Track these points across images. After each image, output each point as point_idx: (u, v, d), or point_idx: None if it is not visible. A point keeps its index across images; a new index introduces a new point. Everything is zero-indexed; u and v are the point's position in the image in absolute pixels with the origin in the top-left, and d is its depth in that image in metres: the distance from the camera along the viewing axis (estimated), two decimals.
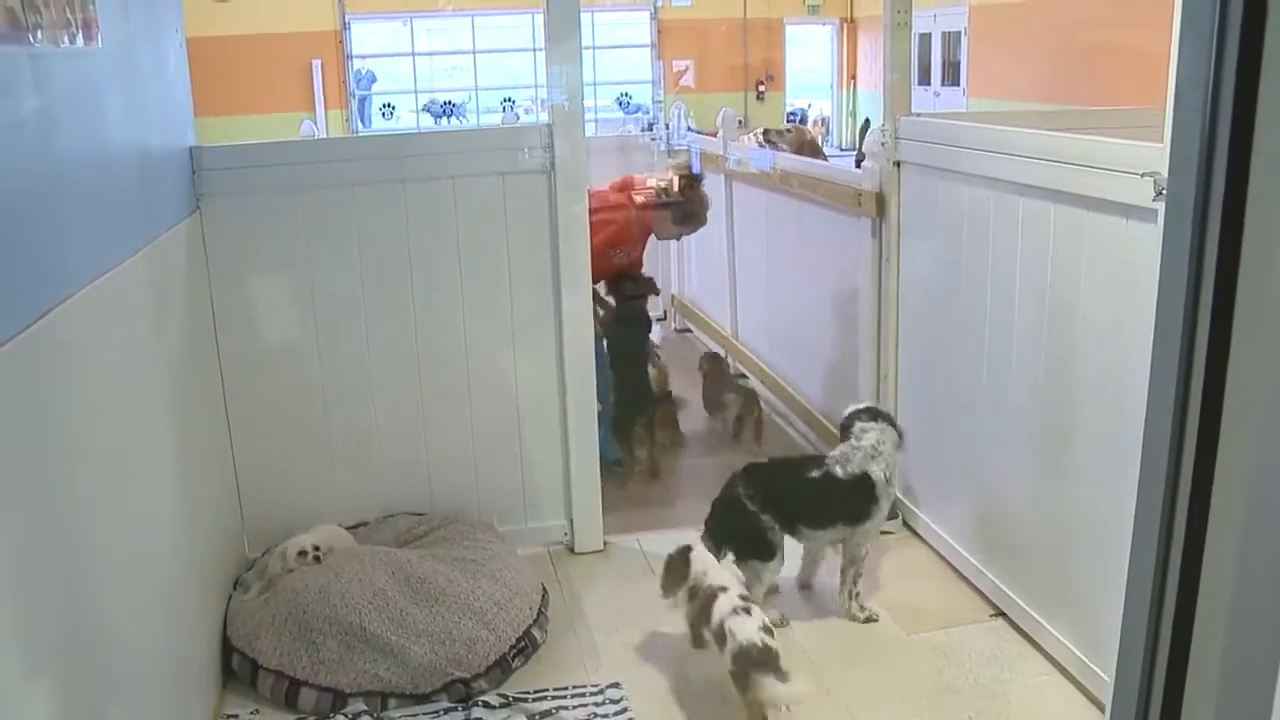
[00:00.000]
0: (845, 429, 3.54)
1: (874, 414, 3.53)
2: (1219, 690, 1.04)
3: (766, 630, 2.85)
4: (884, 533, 3.98)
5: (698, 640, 3.11)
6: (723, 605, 2.93)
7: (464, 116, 14.84)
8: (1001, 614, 3.40)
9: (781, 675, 2.77)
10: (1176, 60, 0.94)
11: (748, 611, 2.89)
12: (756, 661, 2.78)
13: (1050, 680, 3.09)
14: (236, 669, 3.15)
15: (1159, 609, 1.07)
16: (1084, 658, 3.00)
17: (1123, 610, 1.09)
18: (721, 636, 2.88)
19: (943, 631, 3.37)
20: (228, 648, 3.18)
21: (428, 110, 14.84)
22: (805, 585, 3.67)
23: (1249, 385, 0.99)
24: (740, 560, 3.40)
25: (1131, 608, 1.07)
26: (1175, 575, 1.05)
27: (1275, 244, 0.95)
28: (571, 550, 3.97)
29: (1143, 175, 2.50)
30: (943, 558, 3.79)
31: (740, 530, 3.40)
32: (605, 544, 3.96)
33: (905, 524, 4.03)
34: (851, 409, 3.60)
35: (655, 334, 5.62)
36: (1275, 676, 1.01)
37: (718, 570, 3.12)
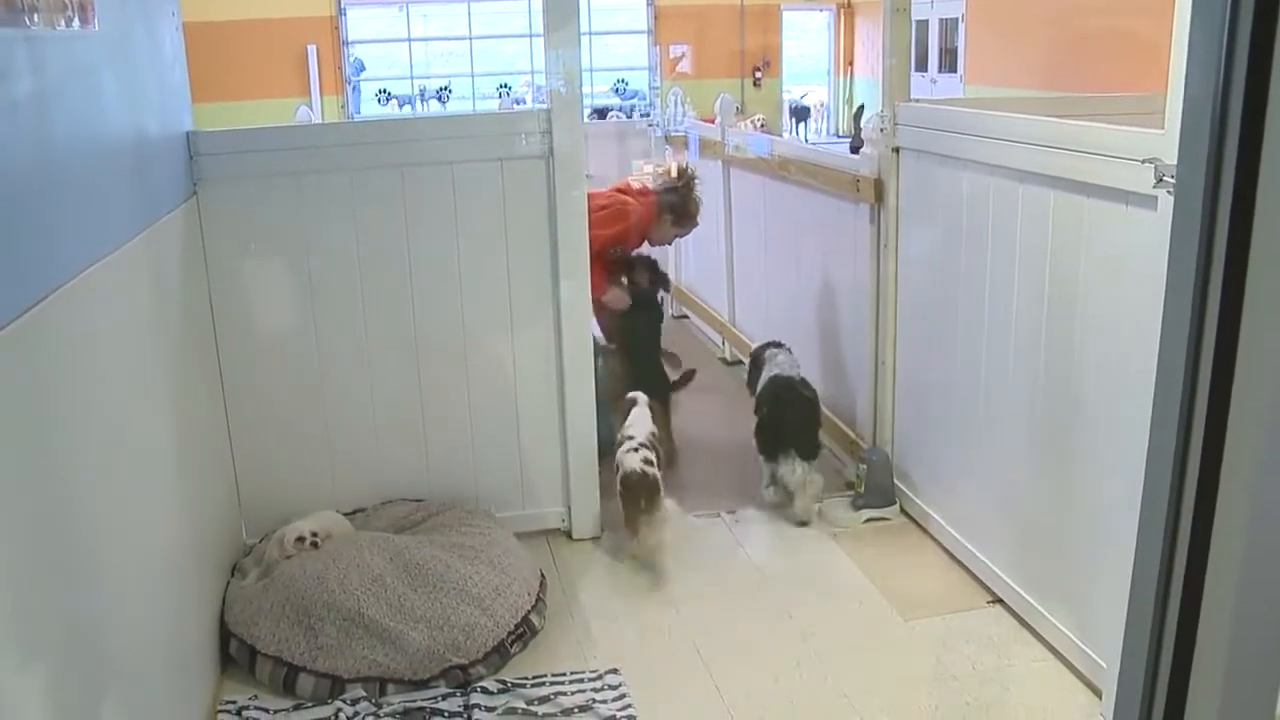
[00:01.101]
0: (757, 359, 4.47)
1: (776, 344, 4.48)
2: (1225, 677, 1.04)
3: (647, 462, 3.75)
4: (880, 519, 4.00)
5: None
6: (625, 447, 3.82)
7: (412, 104, 14.75)
8: (999, 600, 3.40)
9: (655, 499, 3.69)
10: (1188, 42, 0.93)
11: (636, 451, 3.79)
12: (635, 484, 3.69)
13: (1048, 666, 3.10)
14: (235, 655, 3.15)
15: (1165, 596, 1.07)
16: (1081, 644, 3.00)
17: (1129, 597, 1.09)
18: (616, 469, 3.78)
19: (940, 618, 3.37)
20: (226, 634, 3.18)
21: (394, 97, 14.75)
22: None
23: (1258, 371, 0.98)
24: (816, 458, 4.06)
25: (1138, 595, 1.07)
26: (1181, 562, 1.04)
27: None
28: (569, 537, 3.97)
29: (1143, 161, 2.49)
30: (940, 545, 3.79)
31: (815, 435, 4.14)
32: (603, 530, 3.96)
33: (903, 510, 4.03)
34: (757, 345, 4.62)
35: None
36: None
37: (637, 423, 3.97)
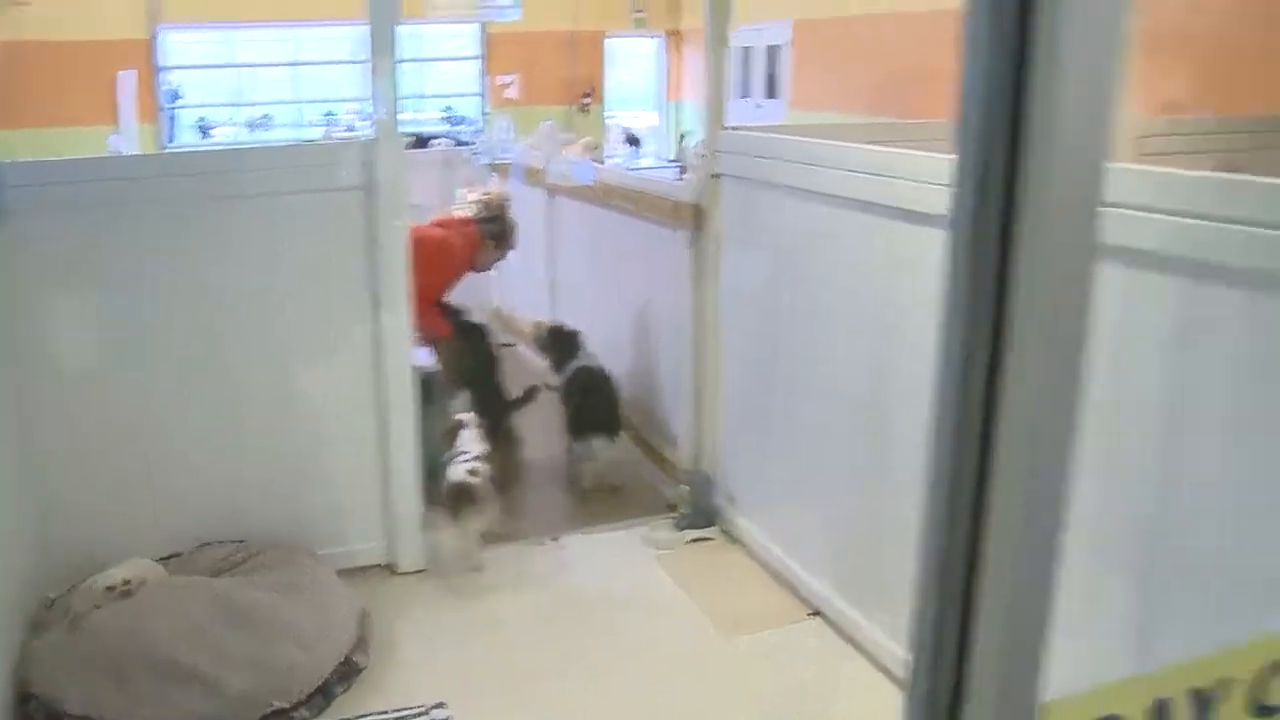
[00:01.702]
0: (568, 341, 4.88)
1: (573, 330, 4.96)
2: (999, 654, 1.10)
3: (472, 473, 3.87)
4: (703, 539, 4.07)
5: None
6: (455, 462, 3.94)
7: (210, 133, 14.28)
8: (818, 613, 3.48)
9: (479, 504, 3.84)
10: (960, 69, 1.00)
11: (465, 463, 3.91)
12: (459, 492, 3.83)
13: (870, 677, 3.18)
14: (33, 717, 2.96)
15: (945, 593, 1.12)
16: (901, 653, 3.09)
17: (915, 600, 1.15)
18: (444, 480, 3.91)
19: (764, 634, 3.44)
20: (23, 695, 2.98)
21: (212, 127, 14.26)
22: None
23: (1021, 389, 1.04)
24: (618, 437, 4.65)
25: (922, 593, 1.13)
26: (959, 567, 1.10)
27: (1042, 257, 1.00)
28: (393, 571, 3.90)
29: (947, 186, 2.59)
30: (763, 562, 3.87)
31: (619, 416, 4.70)
32: (428, 564, 3.91)
33: (725, 530, 4.10)
34: (563, 328, 5.00)
35: None
36: (1041, 646, 1.08)
37: (467, 443, 4.07)
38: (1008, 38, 0.98)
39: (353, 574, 3.77)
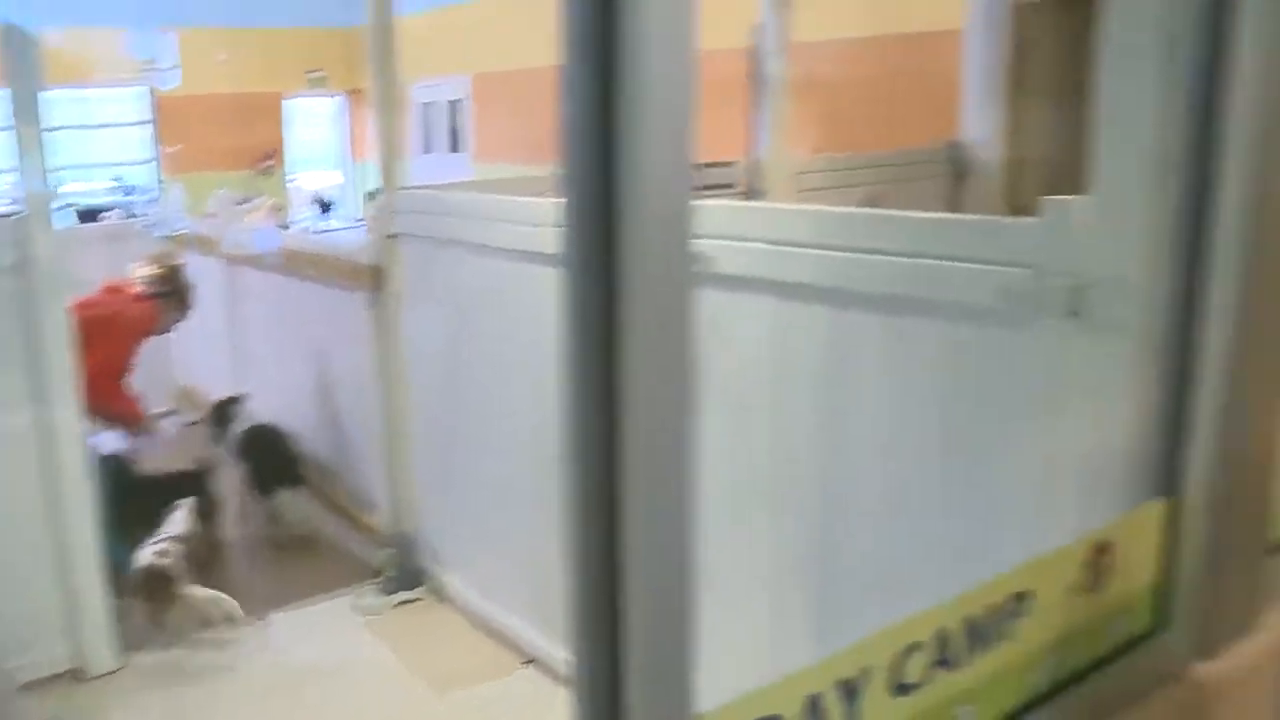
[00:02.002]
0: (224, 413, 5.01)
1: (238, 399, 5.08)
2: (647, 672, 1.16)
3: (161, 555, 3.74)
4: (411, 600, 4.04)
5: None
6: (146, 547, 3.80)
7: None
8: (532, 661, 3.52)
9: (168, 590, 3.70)
10: (561, 122, 1.06)
11: (154, 544, 3.78)
12: (148, 577, 3.70)
13: None
14: None
15: (595, 622, 1.18)
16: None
17: (569, 632, 1.21)
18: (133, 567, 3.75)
19: (477, 688, 3.45)
20: None
21: None
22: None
23: (637, 410, 1.10)
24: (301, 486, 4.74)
25: (575, 627, 1.19)
26: (603, 587, 1.16)
27: (643, 287, 1.06)
28: (83, 677, 3.63)
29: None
30: (472, 618, 3.87)
31: (298, 467, 4.79)
32: (122, 663, 3.69)
33: (432, 590, 4.09)
34: (218, 399, 5.15)
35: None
36: (687, 659, 1.14)
37: (170, 526, 3.95)
38: (596, 82, 1.05)
39: (39, 685, 3.51)
